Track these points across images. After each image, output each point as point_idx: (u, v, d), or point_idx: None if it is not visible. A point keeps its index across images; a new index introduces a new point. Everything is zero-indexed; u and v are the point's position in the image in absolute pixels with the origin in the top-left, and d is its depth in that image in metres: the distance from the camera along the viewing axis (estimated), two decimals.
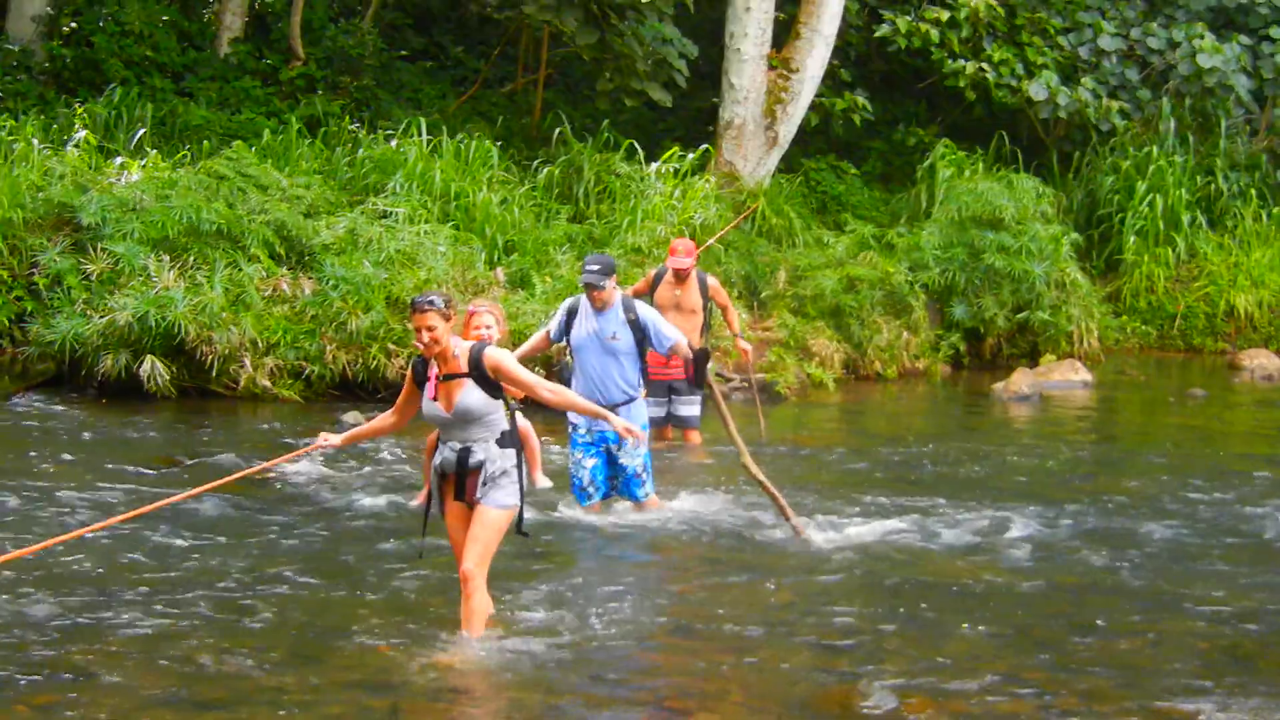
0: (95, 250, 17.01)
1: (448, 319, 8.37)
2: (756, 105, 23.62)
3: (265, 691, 7.85)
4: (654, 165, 22.11)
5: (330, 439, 8.81)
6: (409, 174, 19.82)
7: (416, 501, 9.72)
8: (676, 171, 21.99)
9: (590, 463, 11.83)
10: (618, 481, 11.92)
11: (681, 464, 14.28)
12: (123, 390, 16.01)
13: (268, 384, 16.30)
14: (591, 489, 11.85)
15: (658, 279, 14.78)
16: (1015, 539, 11.62)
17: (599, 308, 11.78)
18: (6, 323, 17.50)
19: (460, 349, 8.51)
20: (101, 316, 16.06)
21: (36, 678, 7.95)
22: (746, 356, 15.88)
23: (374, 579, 10.01)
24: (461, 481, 8.65)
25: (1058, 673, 8.53)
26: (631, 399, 11.85)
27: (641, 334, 11.82)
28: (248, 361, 16.30)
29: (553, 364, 13.14)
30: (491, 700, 8.02)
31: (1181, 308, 24.91)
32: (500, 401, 8.61)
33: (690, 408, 14.70)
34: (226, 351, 16.18)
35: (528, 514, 9.19)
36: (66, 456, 13.45)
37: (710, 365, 12.48)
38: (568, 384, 11.60)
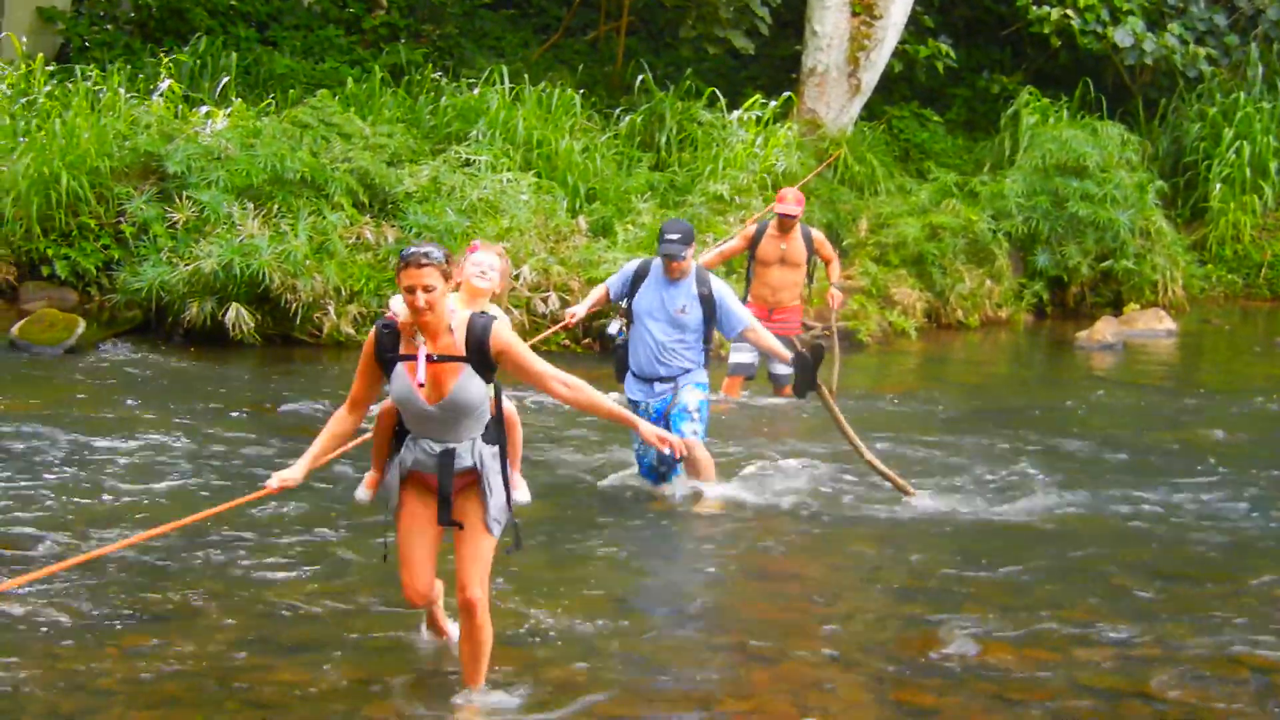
0: (181, 199, 17.14)
1: (447, 278, 6.63)
2: (839, 52, 23.47)
3: (350, 635, 7.94)
4: (736, 113, 22.01)
5: (287, 478, 6.81)
6: (491, 122, 19.83)
7: (365, 491, 7.26)
8: (758, 119, 21.89)
9: None
10: (668, 427, 10.76)
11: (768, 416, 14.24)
12: (208, 337, 16.17)
13: (351, 331, 16.41)
14: (663, 467, 11.00)
15: (760, 233, 14.38)
16: (1098, 488, 11.59)
17: (674, 278, 10.94)
18: (94, 270, 17.66)
19: (457, 320, 6.75)
20: (187, 264, 16.21)
21: (124, 620, 8.07)
22: (835, 303, 15.41)
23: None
24: (447, 491, 6.90)
25: (1138, 620, 8.52)
26: (692, 369, 11.01)
27: (712, 310, 10.93)
28: (331, 309, 16.43)
29: (606, 331, 11.85)
30: (568, 633, 8.08)
31: (1268, 256, 24.63)
32: (491, 386, 6.93)
33: (787, 365, 14.21)
34: (310, 299, 16.31)
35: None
36: (156, 402, 13.60)
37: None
38: (621, 353, 11.15)
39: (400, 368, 6.73)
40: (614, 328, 11.31)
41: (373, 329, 6.85)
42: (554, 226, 18.00)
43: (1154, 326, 20.93)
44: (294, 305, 16.21)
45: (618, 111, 22.09)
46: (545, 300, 16.81)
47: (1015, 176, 22.36)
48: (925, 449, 12.65)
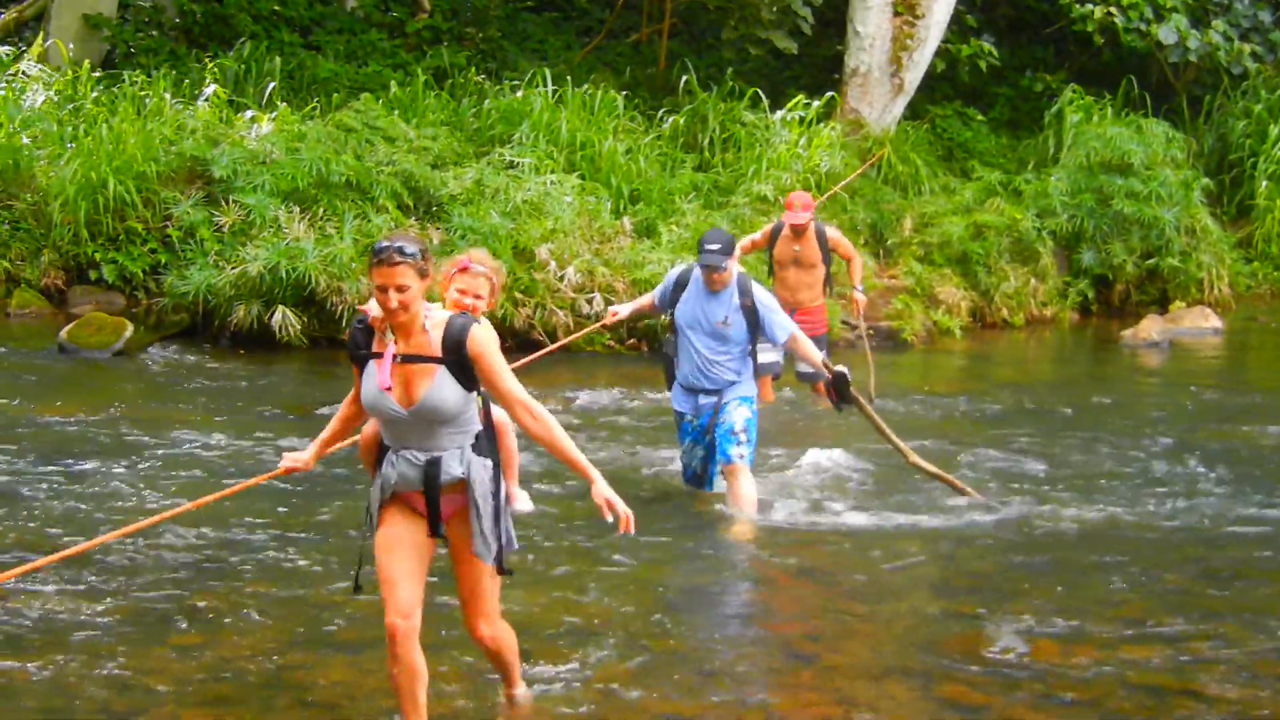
0: (227, 202, 17.25)
1: (423, 276, 6.13)
2: (882, 52, 23.42)
3: None
4: (779, 113, 22.01)
5: (297, 459, 6.71)
6: (535, 124, 19.86)
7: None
8: (801, 119, 21.87)
9: (700, 451, 10.79)
10: (712, 448, 10.69)
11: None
12: (255, 340, 16.24)
13: None
14: (705, 476, 10.90)
15: (775, 234, 14.20)
16: (1147, 487, 11.56)
17: (714, 289, 10.46)
18: (141, 274, 17.77)
19: (434, 320, 6.25)
20: (234, 268, 16.30)
21: (172, 619, 8.13)
22: (858, 308, 14.90)
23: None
24: (435, 503, 6.40)
25: (1187, 618, 8.50)
26: (737, 381, 10.59)
27: (755, 320, 10.47)
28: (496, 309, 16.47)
29: (660, 340, 11.41)
30: (612, 631, 8.10)
31: None
32: (474, 394, 6.37)
33: (772, 354, 13.23)
34: (356, 301, 16.36)
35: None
36: (201, 404, 13.69)
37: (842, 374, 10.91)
38: (669, 363, 10.82)
39: (371, 366, 6.27)
40: (667, 344, 10.99)
41: (351, 325, 6.47)
42: (598, 228, 18.02)
43: (1200, 324, 20.84)
44: (340, 308, 16.26)
45: (661, 113, 22.10)
46: (590, 301, 16.83)
47: (1059, 175, 22.31)
48: (972, 450, 12.61)
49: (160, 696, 7.04)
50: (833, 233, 14.32)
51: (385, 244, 6.08)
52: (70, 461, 11.40)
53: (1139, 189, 21.80)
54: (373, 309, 6.28)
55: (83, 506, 10.19)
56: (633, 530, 6.14)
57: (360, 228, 16.88)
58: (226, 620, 8.13)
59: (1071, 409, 14.95)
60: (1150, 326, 19.95)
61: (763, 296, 10.57)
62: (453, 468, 6.32)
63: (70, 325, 16.23)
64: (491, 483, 6.38)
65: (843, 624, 8.54)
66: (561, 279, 16.95)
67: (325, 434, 6.73)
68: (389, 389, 6.17)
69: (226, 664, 7.49)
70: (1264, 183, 24.52)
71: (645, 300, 11.29)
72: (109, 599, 8.35)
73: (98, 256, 17.85)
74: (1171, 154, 22.86)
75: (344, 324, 16.28)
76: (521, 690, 6.99)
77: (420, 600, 6.35)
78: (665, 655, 7.89)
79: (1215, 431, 13.85)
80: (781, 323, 10.56)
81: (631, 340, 17.16)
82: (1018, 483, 11.63)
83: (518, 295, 16.77)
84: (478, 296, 6.97)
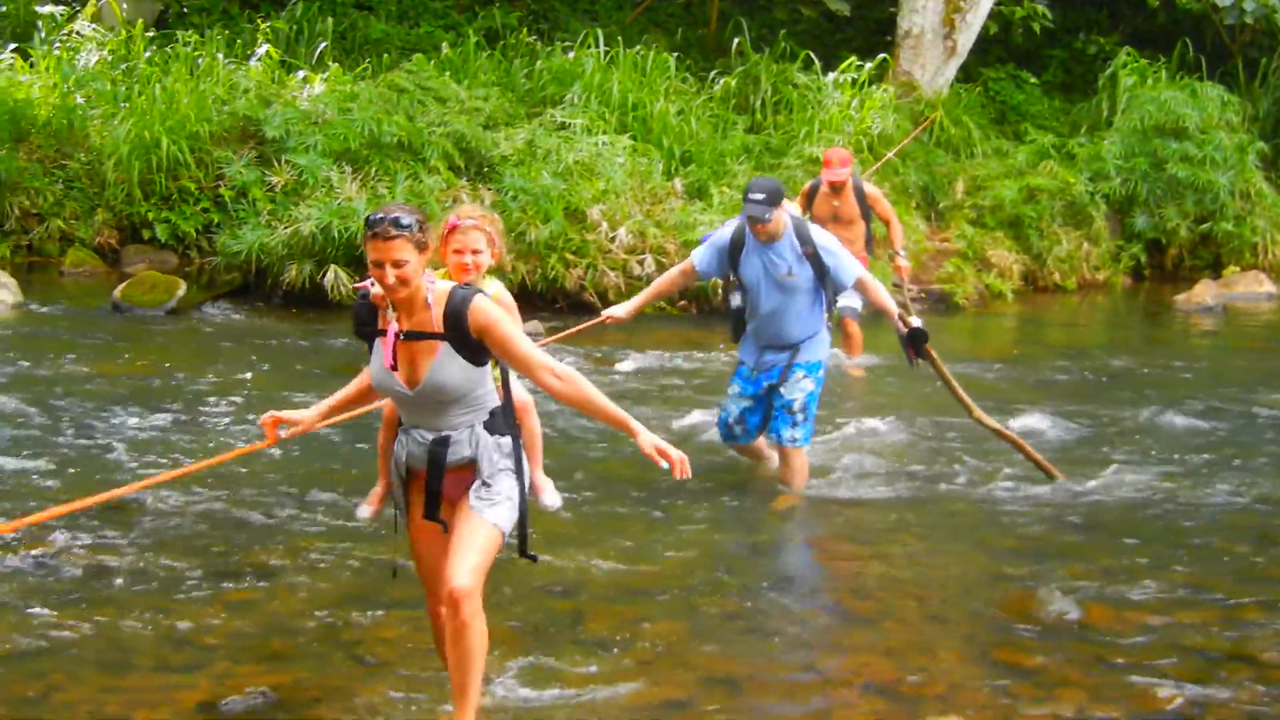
0: (279, 162, 17.32)
1: (422, 249, 5.75)
2: (935, 14, 23.28)
3: None
4: (831, 75, 21.93)
5: (297, 417, 6.35)
6: (586, 85, 19.84)
7: (366, 508, 6.65)
8: (854, 82, 21.78)
9: (746, 402, 10.16)
10: (767, 417, 10.16)
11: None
12: (307, 299, 16.30)
13: None
14: (739, 429, 10.25)
15: (813, 191, 14.27)
16: (1200, 452, 11.50)
17: (763, 241, 9.79)
18: (194, 234, 17.87)
19: (435, 293, 5.84)
20: (286, 227, 16.35)
21: (226, 576, 8.17)
22: (903, 275, 14.68)
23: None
24: (435, 486, 6.08)
25: (1242, 584, 8.45)
26: (813, 335, 10.06)
27: (821, 268, 9.80)
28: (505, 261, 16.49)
29: (729, 306, 10.36)
30: (664, 594, 8.12)
31: None
32: (487, 368, 6.00)
33: (852, 299, 13.45)
34: None
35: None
36: (254, 363, 13.74)
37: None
38: (739, 317, 10.15)
39: (378, 344, 5.96)
40: (735, 300, 10.18)
41: (355, 304, 6.08)
42: (650, 189, 18.00)
43: (1254, 289, 20.72)
44: None
45: (713, 74, 22.03)
46: (641, 263, 16.82)
47: (1113, 138, 22.19)
48: (1025, 414, 12.53)
49: (214, 652, 7.09)
50: (870, 189, 14.28)
51: (379, 215, 5.71)
52: (125, 418, 11.48)
53: (1193, 153, 21.66)
54: (374, 285, 5.89)
55: (136, 462, 10.26)
56: (689, 473, 5.75)
57: (412, 188, 16.89)
58: (281, 577, 8.17)
59: (1125, 374, 14.89)
60: (1204, 291, 19.85)
61: (826, 241, 9.91)
62: (461, 448, 5.99)
63: (124, 284, 16.34)
64: (508, 459, 6.03)
65: (894, 588, 8.53)
66: (613, 240, 16.95)
67: (337, 398, 6.41)
68: (394, 368, 5.88)
69: (280, 620, 7.53)
70: None
71: (662, 285, 10.42)
72: (163, 554, 8.41)
73: (151, 216, 17.97)
74: (1226, 117, 22.69)
75: None
76: (473, 695, 6.06)
77: None
78: (716, 616, 7.91)
79: (1272, 398, 13.74)
80: (849, 266, 9.91)
81: (683, 302, 17.16)
82: (1071, 448, 11.58)
83: (569, 256, 16.79)
84: (476, 252, 6.66)
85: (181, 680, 6.74)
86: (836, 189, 13.86)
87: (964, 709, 6.40)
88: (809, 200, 14.12)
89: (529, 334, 15.06)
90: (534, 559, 6.31)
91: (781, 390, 9.96)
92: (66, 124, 19.00)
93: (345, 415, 6.59)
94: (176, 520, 9.03)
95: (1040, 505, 9.98)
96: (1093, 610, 7.89)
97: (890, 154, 19.88)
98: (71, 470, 10.05)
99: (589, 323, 10.84)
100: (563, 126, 18.84)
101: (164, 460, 10.28)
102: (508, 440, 6.04)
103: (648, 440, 5.77)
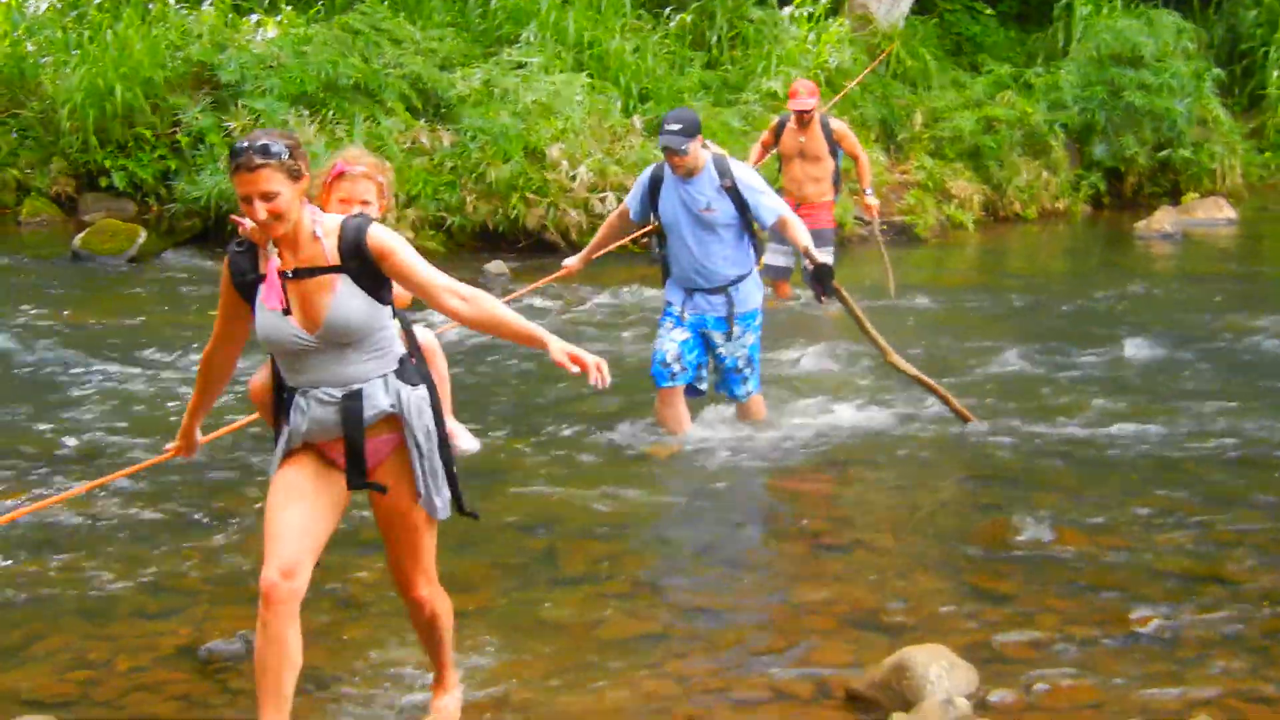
0: (236, 107, 17.19)
1: (296, 178, 5.10)
2: None
3: None
4: (788, 9, 21.86)
5: (179, 447, 5.90)
6: (542, 24, 19.73)
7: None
8: (810, 15, 21.72)
9: (681, 335, 9.61)
10: (717, 376, 9.82)
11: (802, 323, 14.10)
12: None
13: (410, 235, 16.40)
14: (676, 366, 9.61)
15: (780, 126, 14.06)
16: (1167, 379, 11.56)
17: (683, 175, 9.37)
18: (152, 180, 17.74)
19: (325, 226, 5.21)
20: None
21: (200, 524, 8.17)
22: (871, 213, 14.76)
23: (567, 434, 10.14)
24: (359, 445, 5.32)
25: (1212, 507, 8.50)
26: (740, 277, 9.60)
27: (741, 201, 9.37)
28: (390, 214, 16.43)
29: (651, 250, 10.15)
30: (640, 529, 8.14)
31: None
32: (389, 309, 5.35)
33: (823, 257, 13.38)
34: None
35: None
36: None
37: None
38: (663, 263, 9.78)
39: (261, 291, 5.23)
40: (655, 247, 10.01)
41: (228, 250, 5.37)
42: (609, 127, 17.96)
43: (1214, 215, 20.83)
44: None
45: (668, 11, 21.93)
46: (603, 200, 16.79)
47: (1070, 68, 22.29)
48: (987, 344, 12.57)
49: (194, 597, 7.11)
50: (837, 124, 14.05)
51: (244, 144, 5.07)
52: (89, 368, 11.44)
53: (1150, 81, 21.75)
54: (249, 224, 5.23)
55: (101, 412, 10.23)
56: (607, 380, 5.14)
57: (370, 130, 16.83)
58: (257, 522, 8.14)
59: (1088, 303, 14.94)
60: (1163, 218, 19.92)
61: (745, 175, 9.48)
62: (378, 399, 5.29)
63: (83, 233, 16.26)
64: (431, 411, 5.39)
65: (868, 518, 8.58)
66: (573, 179, 16.92)
67: (194, 403, 5.75)
68: (285, 310, 5.17)
69: (258, 565, 7.49)
70: (1275, 72, 24.55)
71: (603, 232, 10.09)
72: (138, 503, 8.41)
73: (107, 164, 17.84)
74: (1182, 45, 22.81)
75: None
76: (453, 699, 5.88)
77: (310, 565, 5.29)
78: (690, 550, 7.96)
79: (1235, 322, 13.81)
80: (769, 204, 9.45)
81: (645, 240, 17.12)
82: (1037, 379, 11.62)
83: (530, 196, 16.75)
84: (364, 203, 5.96)
85: (162, 626, 6.75)
86: (804, 122, 13.70)
87: (942, 635, 6.42)
88: (776, 136, 13.99)
89: (493, 274, 15.20)
90: (475, 516, 5.64)
91: (723, 353, 9.62)
92: (18, 72, 18.87)
93: (202, 413, 5.79)
94: (148, 470, 9.00)
95: (1009, 435, 9.99)
96: (1066, 535, 7.94)
97: (850, 85, 19.83)
98: (37, 423, 10.02)
99: (549, 277, 10.68)
100: (519, 66, 18.74)
101: (129, 411, 10.26)
102: (424, 390, 5.38)
103: (558, 348, 5.15)
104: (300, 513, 5.27)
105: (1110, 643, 6.54)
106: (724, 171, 9.36)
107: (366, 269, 5.15)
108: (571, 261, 10.07)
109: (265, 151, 5.00)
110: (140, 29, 18.84)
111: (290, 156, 5.04)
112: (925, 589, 7.29)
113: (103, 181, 17.93)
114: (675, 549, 7.97)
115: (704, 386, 9.83)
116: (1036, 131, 21.20)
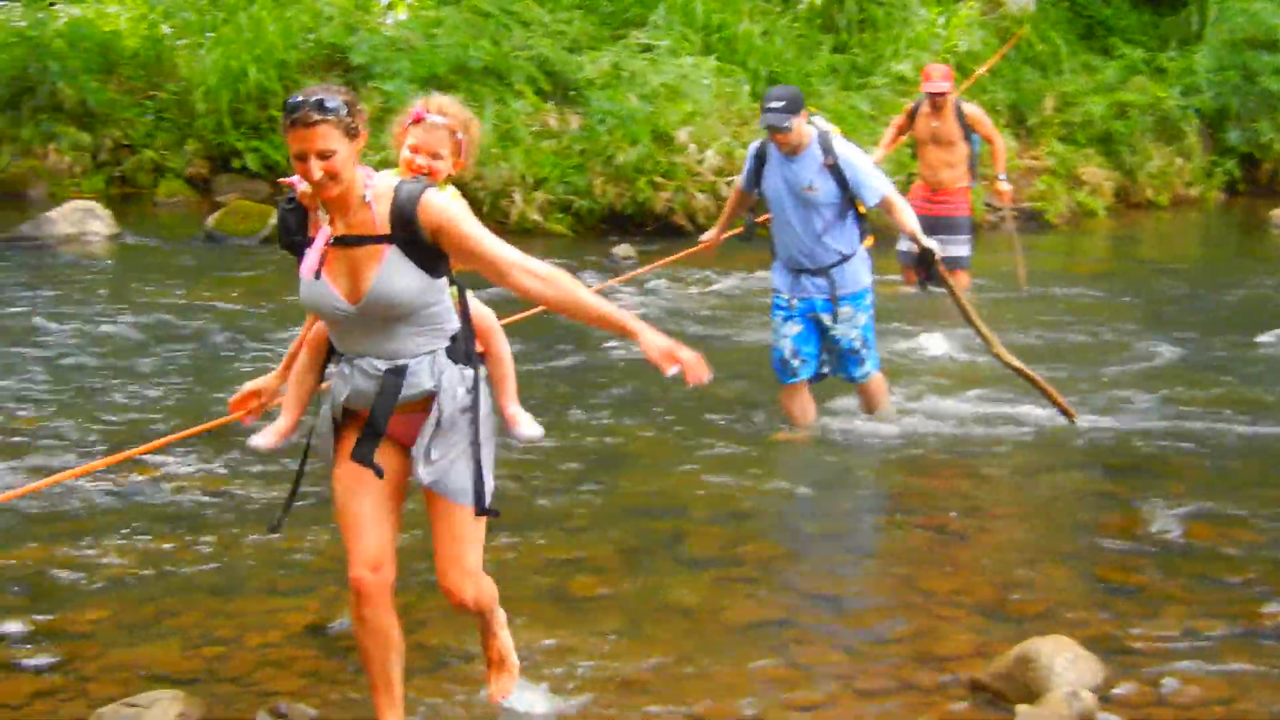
0: (365, 89, 17.34)
1: (353, 136, 4.78)
2: None
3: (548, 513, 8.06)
4: None
5: (269, 435, 5.54)
6: (670, 6, 19.74)
7: (261, 439, 5.58)
8: None
9: (793, 329, 9.39)
10: (832, 358, 9.53)
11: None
12: None
13: (538, 218, 16.55)
14: (796, 362, 9.42)
15: (914, 111, 13.84)
16: None
17: (787, 153, 9.16)
18: (284, 162, 17.87)
19: (377, 190, 4.88)
20: (375, 154, 16.37)
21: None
22: (1005, 199, 14.53)
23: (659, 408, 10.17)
24: (381, 425, 5.07)
25: None
26: (845, 258, 9.28)
27: (844, 180, 9.08)
28: (518, 196, 16.58)
29: (747, 221, 9.83)
30: (760, 513, 8.15)
31: None
32: (444, 281, 5.01)
33: (958, 247, 13.13)
34: (497, 187, 16.46)
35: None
36: None
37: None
38: (770, 246, 9.52)
39: (306, 255, 4.96)
40: (749, 225, 9.84)
41: (280, 207, 5.13)
42: (736, 110, 17.95)
43: None
44: (482, 193, 16.34)
45: None
46: (730, 184, 16.74)
47: (1204, 51, 21.95)
48: (1121, 332, 12.46)
49: (323, 576, 7.13)
50: (971, 109, 13.80)
51: (299, 99, 4.74)
52: (227, 346, 11.64)
53: None
54: (301, 182, 4.92)
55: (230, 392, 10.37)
56: (706, 377, 4.75)
57: (499, 113, 16.93)
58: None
59: (1222, 293, 14.74)
60: None
61: (848, 153, 9.18)
62: (421, 378, 5.02)
63: (217, 213, 16.49)
64: (469, 396, 5.10)
65: (991, 507, 8.52)
66: (701, 162, 16.93)
67: (291, 397, 5.49)
68: (317, 276, 4.89)
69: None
70: None
71: (730, 207, 9.92)
72: (267, 482, 8.48)
73: (240, 145, 18.09)
74: None
75: (486, 209, 16.38)
76: (509, 679, 5.78)
77: (392, 551, 5.21)
78: (814, 537, 7.98)
79: None
80: (872, 184, 9.15)
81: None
82: (1166, 368, 11.49)
83: (658, 179, 16.78)
84: (435, 156, 5.45)
85: (291, 603, 6.83)
86: (937, 106, 13.49)
87: (1068, 626, 6.37)
88: (911, 120, 13.83)
89: (621, 257, 15.24)
90: (495, 514, 5.26)
91: (835, 334, 9.33)
92: (154, 55, 19.16)
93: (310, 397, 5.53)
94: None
95: (1135, 424, 9.89)
96: (1195, 527, 7.86)
97: (981, 70, 19.65)
98: (169, 398, 10.19)
99: (686, 251, 10.62)
100: (647, 49, 18.77)
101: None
102: (471, 372, 5.11)
103: (650, 343, 4.72)
104: (370, 502, 5.14)
105: (1240, 638, 6.46)
106: (828, 149, 9.12)
107: (417, 240, 4.84)
108: (709, 235, 10.02)
109: (322, 107, 4.68)
110: (273, 11, 19.07)
111: (348, 113, 4.74)
112: (1051, 579, 7.24)
113: (236, 163, 18.19)
114: (799, 536, 7.98)
115: (826, 370, 9.63)
116: (1169, 117, 20.95)
